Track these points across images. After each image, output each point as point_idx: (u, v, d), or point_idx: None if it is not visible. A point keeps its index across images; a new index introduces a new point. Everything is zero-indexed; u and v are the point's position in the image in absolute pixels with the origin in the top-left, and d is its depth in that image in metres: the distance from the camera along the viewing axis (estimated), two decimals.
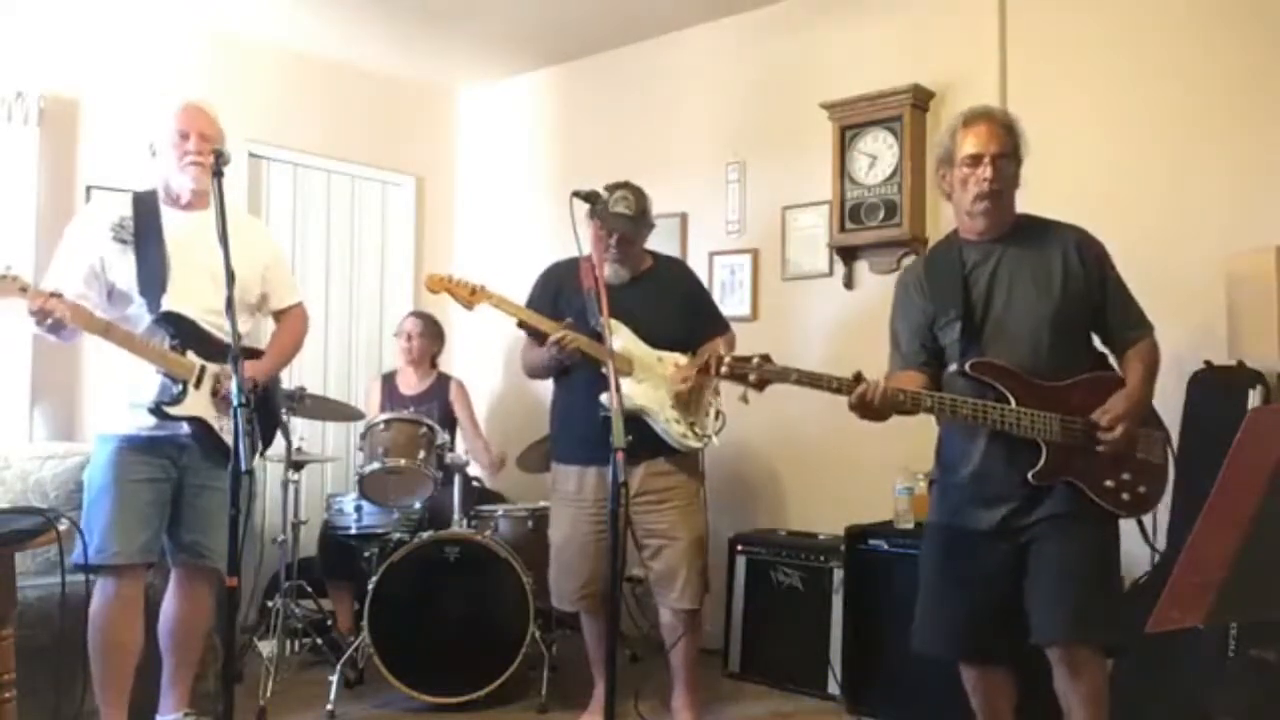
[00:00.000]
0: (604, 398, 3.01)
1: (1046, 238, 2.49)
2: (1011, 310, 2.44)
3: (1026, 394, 2.36)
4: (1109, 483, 2.37)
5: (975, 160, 2.43)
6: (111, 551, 2.74)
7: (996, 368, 2.38)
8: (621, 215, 3.23)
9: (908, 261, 3.92)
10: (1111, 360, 2.53)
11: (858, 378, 2.37)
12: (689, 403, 3.27)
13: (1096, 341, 2.54)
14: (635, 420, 3.09)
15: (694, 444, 3.28)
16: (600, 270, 2.81)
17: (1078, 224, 2.56)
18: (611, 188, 3.29)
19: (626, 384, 3.11)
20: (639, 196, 3.31)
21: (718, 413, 3.35)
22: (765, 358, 2.40)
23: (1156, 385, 2.49)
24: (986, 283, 2.47)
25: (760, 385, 2.40)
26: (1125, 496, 2.38)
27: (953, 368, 2.47)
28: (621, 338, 3.15)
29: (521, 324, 3.33)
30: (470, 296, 3.17)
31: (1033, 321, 2.42)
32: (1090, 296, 2.45)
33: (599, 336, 3.01)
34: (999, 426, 2.35)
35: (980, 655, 2.52)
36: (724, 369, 2.39)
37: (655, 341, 3.26)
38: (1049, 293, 2.42)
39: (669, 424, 3.23)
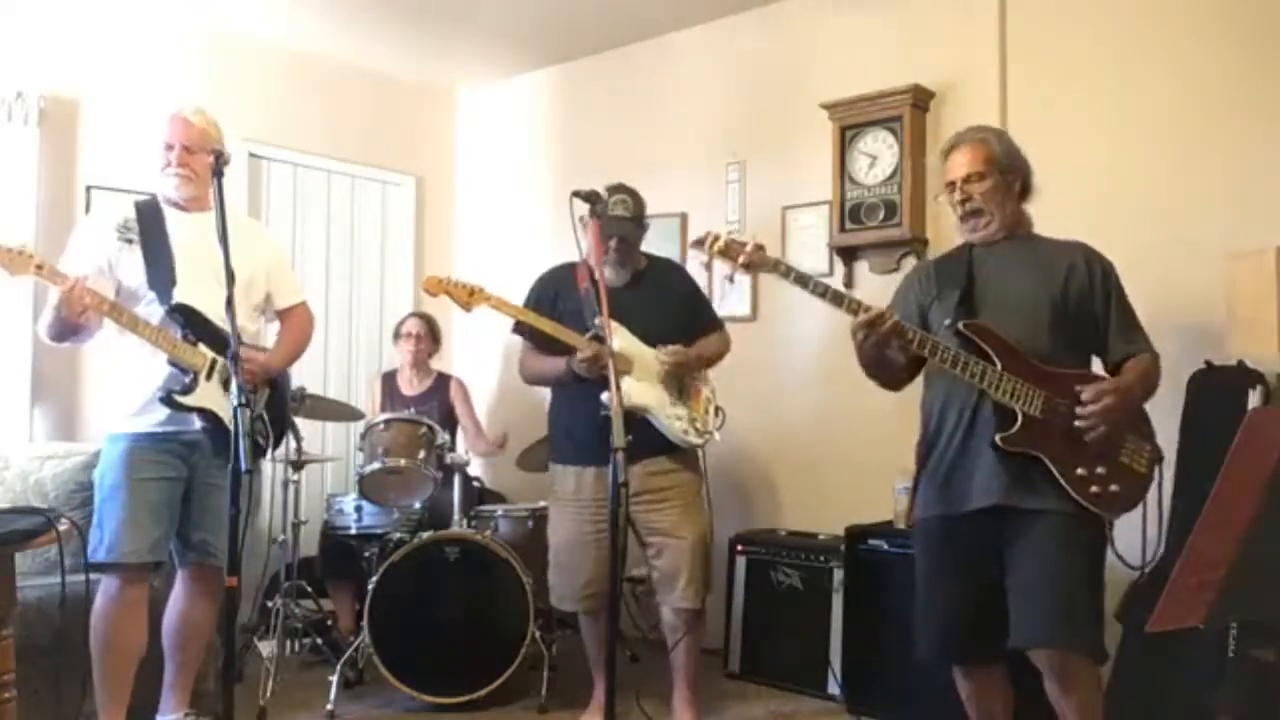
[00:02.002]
0: (604, 397, 3.01)
1: (1055, 246, 2.55)
2: (1014, 289, 2.47)
3: (1015, 363, 2.37)
4: (1081, 470, 2.35)
5: (951, 186, 2.54)
6: (123, 550, 2.74)
7: (990, 332, 2.39)
8: (621, 218, 3.25)
9: (908, 262, 3.94)
10: None
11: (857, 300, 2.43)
12: (681, 389, 3.28)
13: (1097, 366, 2.53)
14: (635, 419, 3.09)
15: (695, 440, 3.28)
16: (600, 271, 2.81)
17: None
18: (609, 191, 3.30)
19: (626, 383, 3.11)
20: (636, 200, 3.35)
21: (717, 409, 3.36)
22: (760, 246, 2.45)
23: (1157, 386, 2.49)
24: (991, 268, 2.52)
25: (749, 268, 2.46)
26: (1094, 489, 2.35)
27: (946, 322, 2.47)
28: (620, 337, 3.15)
29: (518, 328, 3.33)
30: (469, 298, 3.17)
31: (1033, 302, 2.44)
32: (1092, 303, 2.46)
33: (597, 338, 3.02)
34: (977, 380, 2.35)
35: (972, 653, 2.51)
36: (718, 245, 2.45)
37: (653, 341, 3.26)
38: (1052, 281, 2.46)
39: (670, 421, 3.23)
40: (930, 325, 2.54)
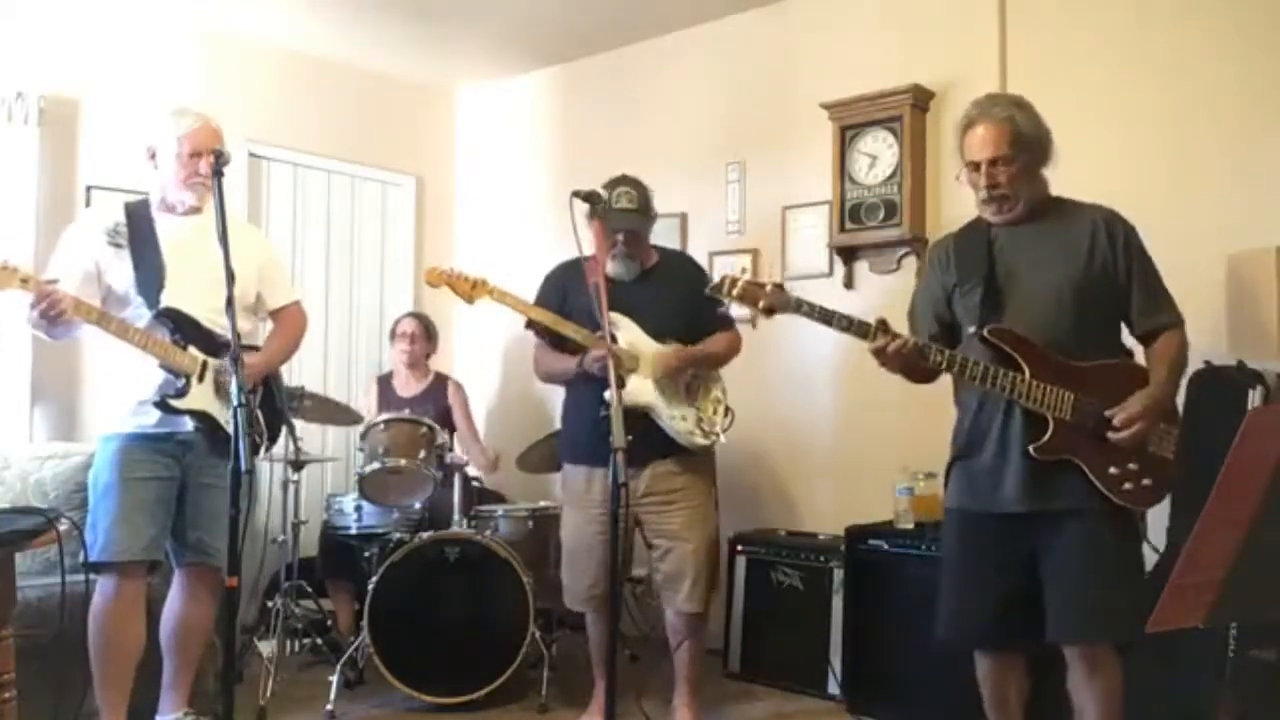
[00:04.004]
0: (607, 394, 3.00)
1: (1076, 216, 2.49)
2: (1035, 276, 2.43)
3: (1042, 367, 2.34)
4: (1114, 470, 2.34)
5: (975, 166, 2.46)
6: (118, 549, 2.74)
7: (1015, 336, 2.36)
8: (626, 211, 3.21)
9: (908, 261, 3.94)
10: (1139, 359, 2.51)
11: (881, 325, 2.37)
12: (690, 388, 3.25)
13: (1126, 338, 2.51)
14: (644, 419, 3.08)
15: (701, 441, 3.24)
16: (602, 270, 2.80)
17: None
18: (612, 184, 3.26)
19: (633, 380, 3.09)
20: (641, 190, 3.28)
21: (726, 409, 3.33)
22: (779, 286, 2.41)
23: (1186, 363, 2.49)
24: (1012, 252, 2.47)
25: (769, 311, 2.40)
26: (1128, 486, 2.35)
27: (970, 330, 2.44)
28: (630, 334, 3.14)
29: (530, 324, 3.31)
30: (471, 290, 3.15)
31: (1056, 287, 2.40)
32: (1116, 273, 2.43)
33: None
34: (1006, 393, 2.33)
35: (999, 644, 2.49)
36: (736, 290, 2.40)
37: (662, 337, 3.23)
38: (1074, 261, 2.41)
39: (675, 421, 3.20)
40: (954, 313, 2.53)
